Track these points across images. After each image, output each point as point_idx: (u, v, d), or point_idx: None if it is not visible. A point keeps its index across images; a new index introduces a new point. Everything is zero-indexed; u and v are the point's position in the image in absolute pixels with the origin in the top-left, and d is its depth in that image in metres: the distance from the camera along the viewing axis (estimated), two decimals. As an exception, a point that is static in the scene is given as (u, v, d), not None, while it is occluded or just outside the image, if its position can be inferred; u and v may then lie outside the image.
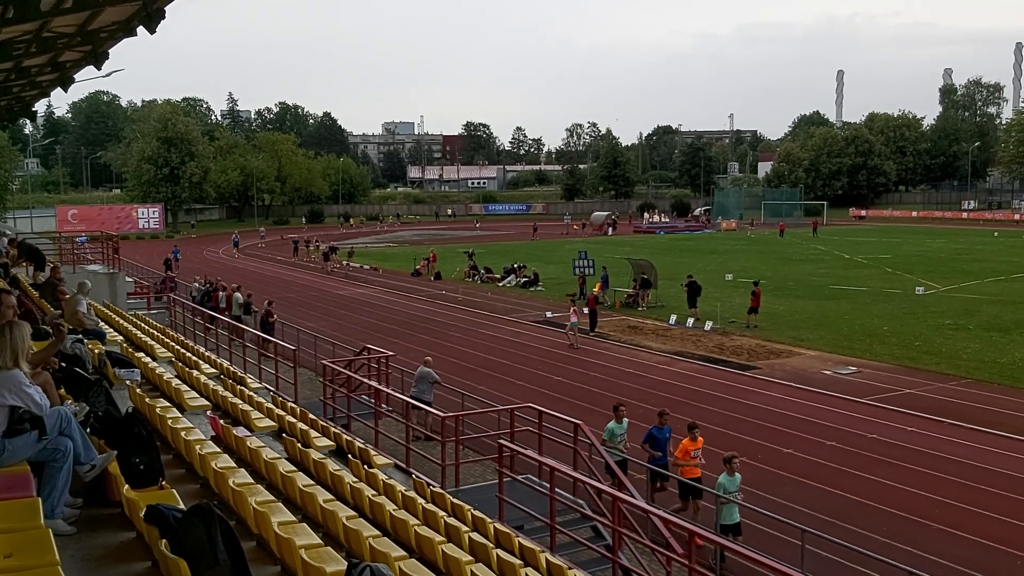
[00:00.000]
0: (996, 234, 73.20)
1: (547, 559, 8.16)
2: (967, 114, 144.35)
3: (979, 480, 15.22)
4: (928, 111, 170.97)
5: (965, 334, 28.19)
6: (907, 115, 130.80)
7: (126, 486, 5.69)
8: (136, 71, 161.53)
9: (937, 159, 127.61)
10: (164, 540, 4.65)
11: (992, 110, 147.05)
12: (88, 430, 6.32)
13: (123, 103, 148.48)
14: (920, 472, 15.61)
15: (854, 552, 11.20)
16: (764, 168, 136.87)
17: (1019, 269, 45.82)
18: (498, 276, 45.95)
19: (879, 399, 20.66)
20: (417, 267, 50.41)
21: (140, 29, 8.79)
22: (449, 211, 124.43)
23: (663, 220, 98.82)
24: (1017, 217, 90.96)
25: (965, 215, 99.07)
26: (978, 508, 13.96)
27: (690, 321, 30.73)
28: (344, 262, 56.53)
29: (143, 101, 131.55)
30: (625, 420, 14.73)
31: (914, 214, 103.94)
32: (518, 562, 7.37)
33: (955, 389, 21.61)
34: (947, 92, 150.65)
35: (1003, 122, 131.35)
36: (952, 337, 27.71)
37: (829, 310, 33.51)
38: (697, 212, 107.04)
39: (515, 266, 46.31)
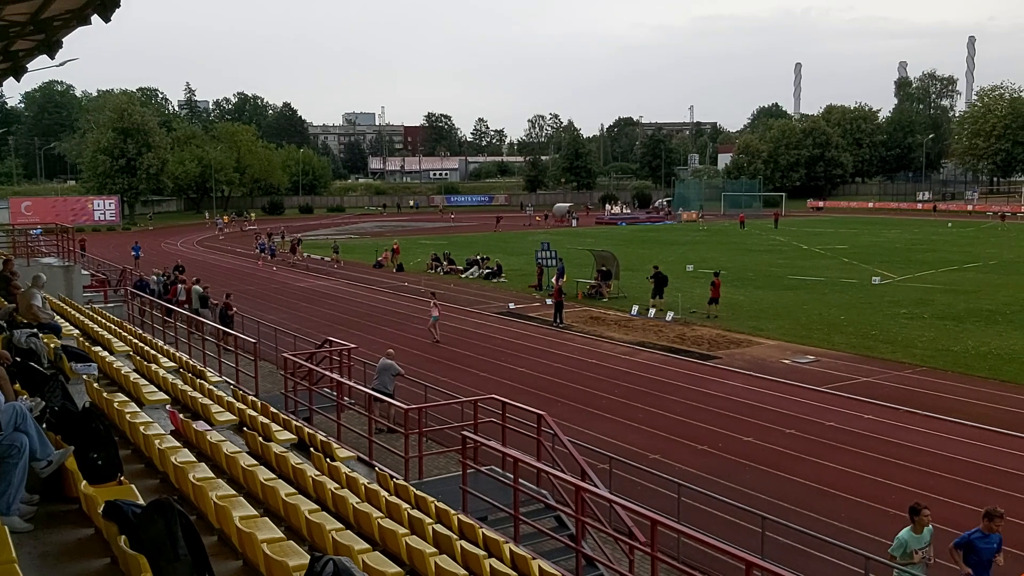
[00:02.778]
0: (950, 224, 74.73)
1: (511, 549, 8.19)
2: (922, 107, 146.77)
3: (933, 466, 15.55)
4: (884, 103, 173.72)
5: (920, 323, 28.73)
6: (863, 107, 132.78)
7: (84, 482, 5.62)
8: (91, 60, 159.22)
9: (893, 151, 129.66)
10: (123, 536, 4.60)
11: (946, 103, 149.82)
12: (44, 425, 6.24)
13: (78, 93, 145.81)
14: (877, 459, 15.90)
15: (813, 538, 11.42)
16: (724, 160, 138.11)
17: (972, 259, 46.85)
18: (461, 268, 45.89)
19: (836, 387, 20.99)
20: (379, 259, 50.16)
21: (95, 17, 8.61)
22: (411, 202, 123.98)
23: (625, 211, 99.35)
24: (970, 208, 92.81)
25: (920, 206, 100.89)
26: (932, 493, 14.24)
27: (652, 311, 30.97)
28: (306, 254, 56.07)
29: (98, 91, 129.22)
30: (928, 528, 10.24)
31: (870, 205, 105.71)
32: (482, 553, 7.39)
33: (910, 377, 22.02)
34: (902, 85, 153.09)
35: (956, 114, 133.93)
36: (907, 326, 28.23)
37: (788, 300, 33.96)
38: (658, 203, 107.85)
39: (478, 258, 46.29)
